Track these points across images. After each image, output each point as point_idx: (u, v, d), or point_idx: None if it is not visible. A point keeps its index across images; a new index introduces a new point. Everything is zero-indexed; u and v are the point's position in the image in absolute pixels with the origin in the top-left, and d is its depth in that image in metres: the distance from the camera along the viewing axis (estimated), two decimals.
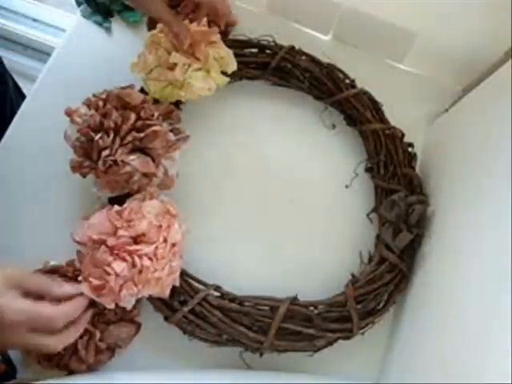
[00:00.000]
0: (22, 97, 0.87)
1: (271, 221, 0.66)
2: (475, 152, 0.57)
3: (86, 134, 0.55)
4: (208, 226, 0.63)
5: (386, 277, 0.60)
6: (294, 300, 0.58)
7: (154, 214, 0.53)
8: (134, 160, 0.54)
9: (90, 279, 0.50)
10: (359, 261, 0.64)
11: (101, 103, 0.56)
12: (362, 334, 0.59)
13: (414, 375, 0.53)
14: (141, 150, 0.56)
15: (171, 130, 0.59)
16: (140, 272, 0.50)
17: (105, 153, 0.54)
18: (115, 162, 0.54)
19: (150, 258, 0.50)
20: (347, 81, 0.69)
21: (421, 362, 0.53)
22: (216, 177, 0.67)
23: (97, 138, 0.54)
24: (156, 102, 0.61)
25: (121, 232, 0.51)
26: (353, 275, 0.63)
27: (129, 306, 0.52)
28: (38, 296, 0.46)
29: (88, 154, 0.55)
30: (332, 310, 0.58)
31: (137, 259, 0.49)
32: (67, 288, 0.49)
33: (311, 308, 0.58)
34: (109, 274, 0.49)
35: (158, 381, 0.53)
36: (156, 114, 0.57)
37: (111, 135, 0.54)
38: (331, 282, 0.62)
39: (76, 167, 0.56)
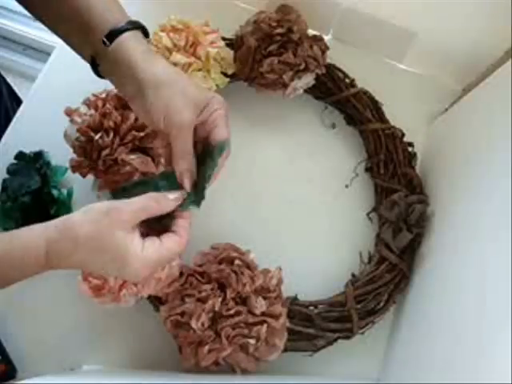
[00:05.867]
0: (18, 103, 0.84)
1: (271, 221, 0.66)
2: (475, 151, 0.57)
3: (86, 133, 0.55)
4: (207, 225, 0.63)
5: (386, 276, 0.60)
6: (294, 300, 0.58)
7: None
8: (134, 159, 0.54)
9: (90, 279, 0.50)
10: (359, 260, 0.64)
11: (100, 103, 0.56)
12: (362, 333, 0.59)
13: (414, 375, 0.53)
14: (141, 149, 0.56)
15: None
16: None
17: (104, 152, 0.54)
18: (115, 161, 0.54)
19: None
20: (347, 80, 0.70)
21: (421, 362, 0.53)
22: None
23: (96, 137, 0.54)
24: None
25: None
26: (353, 275, 0.63)
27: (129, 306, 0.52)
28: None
29: (88, 154, 0.55)
30: (332, 309, 0.58)
31: None
32: (171, 197, 0.44)
33: (311, 308, 0.58)
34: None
35: (157, 380, 0.53)
36: None
37: (111, 135, 0.54)
38: (331, 282, 0.62)
39: (76, 167, 0.56)
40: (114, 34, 0.46)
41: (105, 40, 0.46)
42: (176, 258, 0.44)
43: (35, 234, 0.40)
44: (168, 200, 0.43)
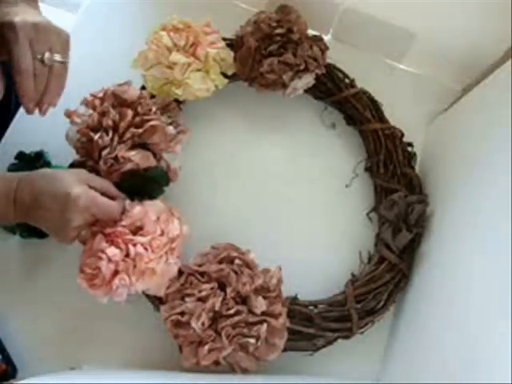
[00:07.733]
0: None
1: (271, 220, 0.66)
2: (475, 151, 0.57)
3: (86, 134, 0.55)
4: (208, 225, 0.63)
5: (386, 276, 0.60)
6: (294, 299, 0.58)
7: (152, 207, 0.53)
8: (135, 156, 0.54)
9: (85, 269, 0.50)
10: (359, 260, 0.65)
11: (98, 102, 0.56)
12: (362, 333, 0.59)
13: (414, 375, 0.53)
14: (141, 145, 0.56)
15: (171, 123, 0.59)
16: (133, 260, 0.50)
17: (105, 152, 0.54)
18: (116, 159, 0.54)
19: (146, 248, 0.50)
20: (347, 80, 0.70)
21: (421, 362, 0.53)
22: (216, 176, 0.67)
23: (96, 137, 0.54)
24: (154, 96, 0.61)
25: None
26: (353, 275, 0.63)
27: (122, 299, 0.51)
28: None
29: (90, 154, 0.55)
30: (332, 309, 0.58)
31: (131, 247, 0.49)
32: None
33: (311, 307, 0.58)
34: (101, 259, 0.49)
35: (157, 380, 0.53)
36: (154, 109, 0.57)
37: (110, 133, 0.54)
38: (331, 282, 0.62)
39: (79, 167, 0.56)
40: None
41: None
42: (98, 211, 0.51)
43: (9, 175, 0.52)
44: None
